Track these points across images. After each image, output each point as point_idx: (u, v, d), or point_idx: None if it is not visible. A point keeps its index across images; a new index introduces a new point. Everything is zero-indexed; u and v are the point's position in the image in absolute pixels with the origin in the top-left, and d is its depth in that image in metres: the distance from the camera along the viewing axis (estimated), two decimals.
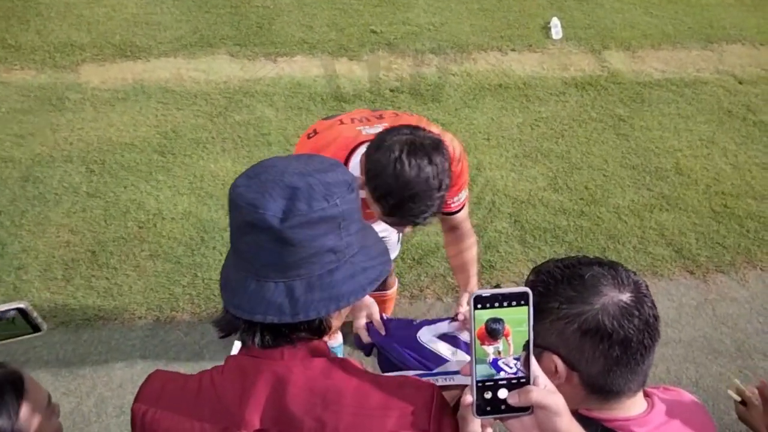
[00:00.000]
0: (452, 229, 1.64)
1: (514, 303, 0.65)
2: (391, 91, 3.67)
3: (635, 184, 3.15)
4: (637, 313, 0.80)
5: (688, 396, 0.98)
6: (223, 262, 0.82)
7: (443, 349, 1.27)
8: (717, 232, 2.92)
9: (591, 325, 0.80)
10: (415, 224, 1.28)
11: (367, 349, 1.39)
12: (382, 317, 1.36)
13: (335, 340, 2.29)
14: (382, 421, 0.75)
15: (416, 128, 1.26)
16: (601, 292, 0.81)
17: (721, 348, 2.45)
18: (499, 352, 0.65)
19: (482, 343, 0.65)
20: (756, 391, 1.17)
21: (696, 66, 4.07)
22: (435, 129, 1.44)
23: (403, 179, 1.17)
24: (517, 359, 0.66)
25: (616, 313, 0.80)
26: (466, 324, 1.44)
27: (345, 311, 0.83)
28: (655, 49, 4.21)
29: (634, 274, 0.85)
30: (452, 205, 1.55)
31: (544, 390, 0.66)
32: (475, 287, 1.62)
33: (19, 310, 0.90)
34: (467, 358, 0.68)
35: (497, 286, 1.67)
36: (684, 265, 2.76)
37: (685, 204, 3.05)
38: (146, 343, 2.35)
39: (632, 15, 4.55)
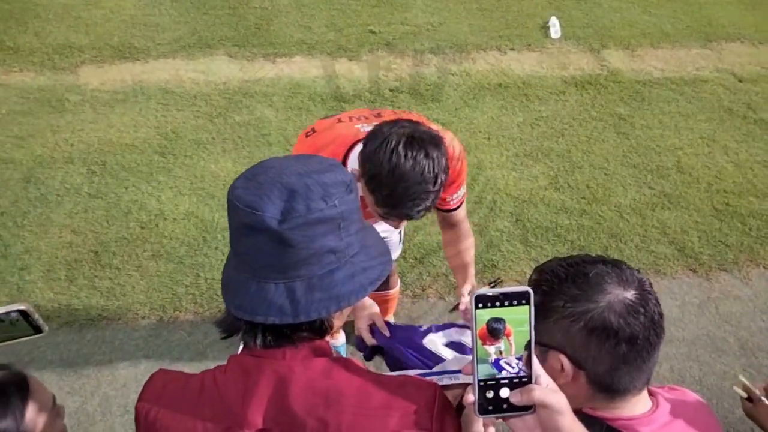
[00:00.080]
0: (451, 228, 1.64)
1: (515, 302, 0.65)
2: (391, 91, 3.67)
3: (636, 183, 3.15)
4: (642, 310, 0.80)
5: (693, 395, 0.98)
6: (225, 261, 0.82)
7: (449, 355, 1.26)
8: (719, 230, 2.91)
9: (597, 323, 0.79)
10: (408, 218, 1.26)
11: (367, 352, 1.38)
12: (387, 323, 1.36)
13: (338, 340, 2.29)
14: (384, 421, 0.75)
15: (416, 122, 1.25)
16: (606, 290, 0.81)
17: (725, 346, 2.44)
18: (501, 352, 0.65)
19: (484, 343, 0.65)
20: (762, 387, 1.18)
21: (695, 64, 4.07)
22: (435, 128, 1.43)
23: (398, 171, 1.16)
24: (519, 359, 0.66)
25: (621, 311, 0.80)
26: (467, 314, 1.44)
27: (346, 311, 0.83)
28: (654, 48, 4.21)
29: (638, 271, 0.85)
30: (450, 203, 1.55)
31: (547, 389, 0.66)
32: (473, 280, 1.62)
33: (21, 311, 0.90)
34: (469, 358, 0.68)
35: (496, 281, 1.67)
36: (686, 264, 2.76)
37: (687, 202, 3.05)
38: (150, 343, 2.35)
39: (631, 14, 4.55)
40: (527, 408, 0.66)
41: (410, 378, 0.82)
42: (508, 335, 0.65)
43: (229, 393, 0.78)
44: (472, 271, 1.62)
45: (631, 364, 0.81)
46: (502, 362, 0.66)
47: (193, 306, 2.48)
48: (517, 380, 0.66)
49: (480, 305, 0.64)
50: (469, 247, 1.64)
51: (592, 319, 0.80)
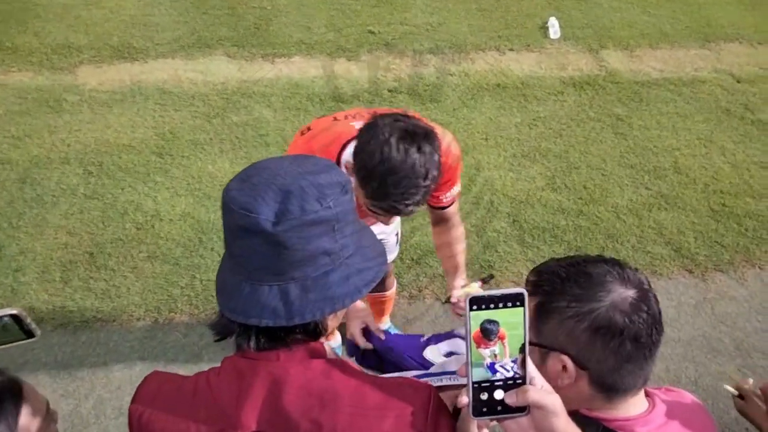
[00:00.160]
0: (443, 222, 1.64)
1: (509, 304, 0.65)
2: (390, 91, 3.66)
3: (634, 184, 3.15)
4: (645, 308, 0.81)
5: (689, 397, 0.98)
6: (220, 263, 0.82)
7: (449, 365, 1.25)
8: (715, 231, 2.92)
9: (603, 322, 0.79)
10: (396, 212, 1.24)
11: (358, 356, 1.36)
12: (387, 333, 1.35)
13: (334, 341, 2.29)
14: (379, 422, 0.75)
15: (412, 117, 1.24)
16: (609, 289, 0.81)
17: (720, 347, 2.45)
18: (496, 355, 0.65)
19: (479, 346, 0.65)
20: (750, 382, 1.18)
21: (694, 65, 4.08)
22: (437, 128, 1.43)
23: (388, 163, 1.15)
24: (514, 361, 0.66)
25: (626, 309, 0.80)
26: (458, 308, 1.43)
27: (341, 313, 0.82)
28: (653, 49, 4.21)
29: (637, 270, 0.86)
30: (444, 200, 1.55)
31: (542, 390, 0.66)
32: (464, 273, 1.61)
33: (13, 316, 0.89)
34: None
35: (489, 276, 1.66)
36: (683, 264, 2.76)
37: (684, 203, 3.05)
38: (145, 345, 2.34)
39: (630, 14, 4.55)
40: (521, 410, 0.66)
41: (405, 379, 0.82)
42: (502, 338, 0.65)
43: (223, 395, 0.78)
44: (462, 262, 1.61)
45: (635, 362, 0.81)
46: (496, 365, 0.66)
47: (188, 307, 2.47)
48: (511, 382, 0.66)
49: (474, 307, 0.64)
50: (460, 239, 1.63)
51: (597, 318, 0.79)
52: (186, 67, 3.77)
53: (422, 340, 1.31)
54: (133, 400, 0.84)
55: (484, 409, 0.67)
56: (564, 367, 0.82)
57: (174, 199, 2.91)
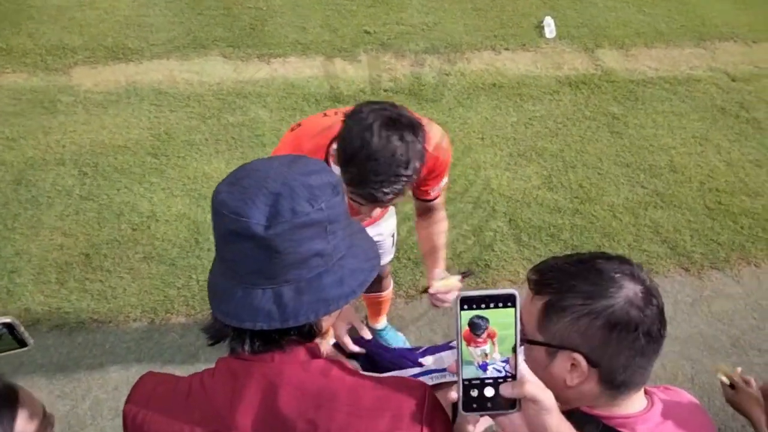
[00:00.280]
0: (427, 213, 1.63)
1: (500, 305, 0.64)
2: (386, 91, 3.66)
3: (629, 182, 3.16)
4: (655, 302, 0.82)
5: (687, 396, 0.98)
6: (212, 266, 0.82)
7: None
8: (711, 229, 2.93)
9: (619, 318, 0.79)
10: (374, 200, 1.22)
11: (345, 355, 1.33)
12: (384, 347, 1.34)
13: (331, 341, 2.28)
14: (374, 422, 0.74)
15: (400, 107, 1.23)
16: (620, 285, 0.81)
17: (717, 344, 2.45)
18: (486, 355, 0.65)
19: (468, 344, 0.65)
20: (739, 371, 1.19)
21: (689, 64, 4.09)
22: (436, 128, 1.43)
23: (368, 148, 1.14)
24: (505, 361, 0.66)
25: (640, 304, 0.80)
26: (435, 298, 1.42)
27: (335, 314, 0.82)
28: (648, 48, 4.22)
29: (638, 265, 0.86)
30: (431, 193, 1.55)
31: (537, 384, 0.66)
32: (443, 265, 1.58)
33: (6, 324, 0.88)
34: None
35: (468, 272, 1.64)
36: (679, 262, 2.77)
37: (680, 201, 3.06)
38: (141, 346, 2.33)
39: (625, 13, 4.56)
40: (512, 406, 0.66)
41: (401, 379, 0.82)
42: (492, 336, 0.65)
43: (217, 396, 0.78)
44: (442, 254, 1.60)
45: (646, 357, 0.82)
46: (488, 366, 0.66)
47: (185, 308, 2.46)
48: (501, 380, 0.66)
49: (465, 306, 0.64)
50: (442, 230, 1.62)
51: (613, 314, 0.79)
52: (181, 67, 3.76)
53: (418, 352, 1.29)
54: (128, 401, 0.84)
55: (474, 405, 0.67)
56: (574, 366, 0.81)
57: (170, 199, 2.91)
